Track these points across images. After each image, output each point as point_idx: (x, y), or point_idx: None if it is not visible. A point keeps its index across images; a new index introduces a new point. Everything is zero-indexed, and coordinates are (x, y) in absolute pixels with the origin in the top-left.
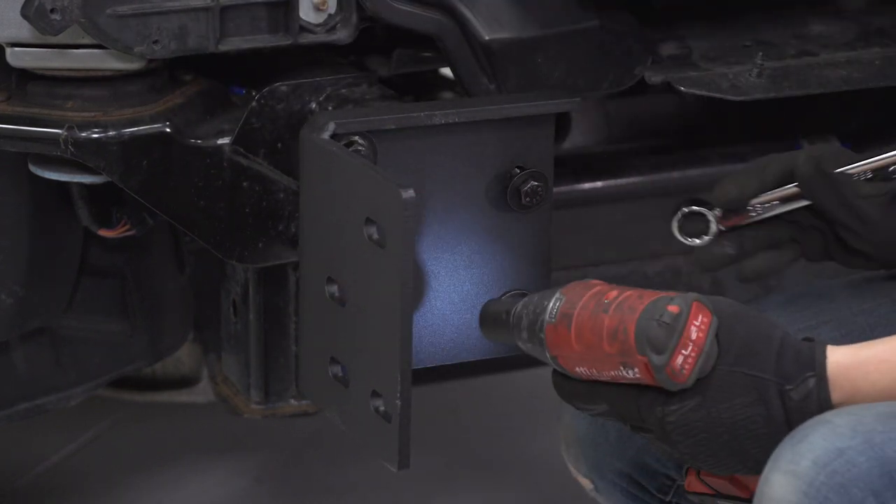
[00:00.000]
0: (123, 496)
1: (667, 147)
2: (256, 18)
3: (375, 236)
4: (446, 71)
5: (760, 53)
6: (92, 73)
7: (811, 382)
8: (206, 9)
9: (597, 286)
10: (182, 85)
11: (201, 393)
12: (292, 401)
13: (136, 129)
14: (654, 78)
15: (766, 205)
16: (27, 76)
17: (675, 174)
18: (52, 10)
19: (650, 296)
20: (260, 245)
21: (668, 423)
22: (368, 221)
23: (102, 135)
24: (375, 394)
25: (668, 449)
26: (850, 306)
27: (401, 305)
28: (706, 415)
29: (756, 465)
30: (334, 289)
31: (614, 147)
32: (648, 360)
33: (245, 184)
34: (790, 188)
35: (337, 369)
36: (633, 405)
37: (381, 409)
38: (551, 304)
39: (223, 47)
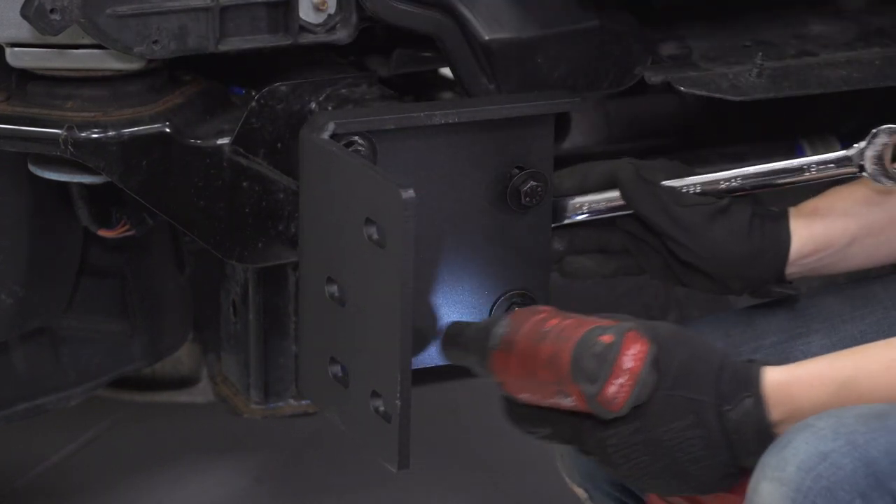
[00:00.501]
0: (123, 496)
1: (667, 147)
2: (256, 18)
3: (375, 236)
4: (446, 71)
5: (760, 53)
6: (92, 74)
7: (748, 402)
8: (205, 9)
9: (542, 313)
10: (182, 85)
11: (201, 393)
12: (292, 401)
13: (135, 129)
14: (654, 78)
15: (594, 206)
16: (27, 76)
17: None
18: (51, 11)
19: (588, 324)
20: (260, 245)
21: (609, 447)
22: (368, 221)
23: (102, 135)
24: (375, 394)
25: (611, 471)
26: (841, 314)
27: (401, 305)
28: (645, 439)
29: (699, 486)
30: (334, 289)
31: (614, 147)
32: (581, 389)
33: (245, 184)
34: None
35: (337, 369)
36: (575, 430)
37: (381, 409)
38: (497, 331)
39: (223, 47)
